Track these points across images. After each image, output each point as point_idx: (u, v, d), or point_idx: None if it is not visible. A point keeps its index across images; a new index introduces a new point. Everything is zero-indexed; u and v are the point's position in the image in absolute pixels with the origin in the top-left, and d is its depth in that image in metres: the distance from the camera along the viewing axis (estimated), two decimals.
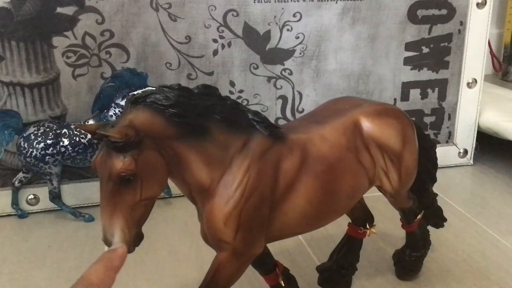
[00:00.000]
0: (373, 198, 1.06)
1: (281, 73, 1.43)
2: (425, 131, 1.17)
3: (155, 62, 1.34)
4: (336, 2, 1.40)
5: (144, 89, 1.22)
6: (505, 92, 1.77)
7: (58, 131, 1.25)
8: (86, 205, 1.37)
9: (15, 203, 1.33)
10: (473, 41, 1.53)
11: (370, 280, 1.07)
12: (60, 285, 1.08)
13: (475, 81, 1.57)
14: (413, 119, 1.24)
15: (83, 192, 1.37)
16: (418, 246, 1.05)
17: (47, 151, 1.24)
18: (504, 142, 1.57)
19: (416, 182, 0.95)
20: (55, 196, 1.30)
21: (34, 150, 1.23)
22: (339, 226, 1.00)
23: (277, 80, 1.44)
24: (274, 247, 0.91)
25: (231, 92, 1.41)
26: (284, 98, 1.46)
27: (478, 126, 1.61)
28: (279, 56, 1.41)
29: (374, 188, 0.91)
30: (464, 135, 1.62)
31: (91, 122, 1.27)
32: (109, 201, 0.66)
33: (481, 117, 1.60)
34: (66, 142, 1.25)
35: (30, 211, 1.35)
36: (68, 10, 1.26)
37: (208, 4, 1.33)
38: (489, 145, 1.68)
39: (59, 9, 1.26)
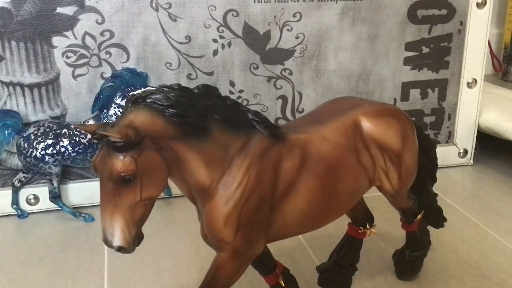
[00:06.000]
0: (373, 198, 1.06)
1: (281, 73, 1.43)
2: (425, 131, 1.17)
3: (155, 62, 1.34)
4: (336, 2, 1.40)
5: (144, 89, 1.23)
6: (505, 92, 1.77)
7: (58, 131, 1.25)
8: (86, 205, 1.37)
9: (15, 203, 1.33)
10: (473, 41, 1.53)
11: (370, 280, 1.07)
12: (60, 285, 1.08)
13: (475, 81, 1.57)
14: (413, 119, 1.24)
15: (83, 192, 1.37)
16: (418, 246, 1.05)
17: (47, 151, 1.24)
18: (504, 142, 1.57)
19: (416, 182, 0.95)
20: (55, 196, 1.30)
21: (34, 150, 1.23)
22: (339, 226, 1.00)
23: (277, 80, 1.44)
24: (274, 247, 0.91)
25: (231, 92, 1.41)
26: (284, 98, 1.46)
27: (478, 126, 1.61)
28: (279, 56, 1.41)
29: (374, 188, 0.91)
30: (464, 135, 1.62)
31: (91, 122, 1.27)
32: (109, 201, 0.66)
33: (481, 117, 1.60)
34: (66, 142, 1.25)
35: (30, 211, 1.35)
36: (68, 10, 1.26)
37: (208, 4, 1.33)
38: (489, 145, 1.68)
39: (59, 9, 1.26)
